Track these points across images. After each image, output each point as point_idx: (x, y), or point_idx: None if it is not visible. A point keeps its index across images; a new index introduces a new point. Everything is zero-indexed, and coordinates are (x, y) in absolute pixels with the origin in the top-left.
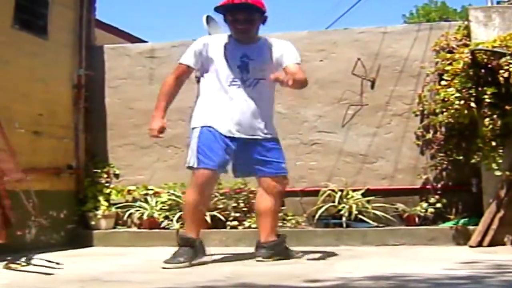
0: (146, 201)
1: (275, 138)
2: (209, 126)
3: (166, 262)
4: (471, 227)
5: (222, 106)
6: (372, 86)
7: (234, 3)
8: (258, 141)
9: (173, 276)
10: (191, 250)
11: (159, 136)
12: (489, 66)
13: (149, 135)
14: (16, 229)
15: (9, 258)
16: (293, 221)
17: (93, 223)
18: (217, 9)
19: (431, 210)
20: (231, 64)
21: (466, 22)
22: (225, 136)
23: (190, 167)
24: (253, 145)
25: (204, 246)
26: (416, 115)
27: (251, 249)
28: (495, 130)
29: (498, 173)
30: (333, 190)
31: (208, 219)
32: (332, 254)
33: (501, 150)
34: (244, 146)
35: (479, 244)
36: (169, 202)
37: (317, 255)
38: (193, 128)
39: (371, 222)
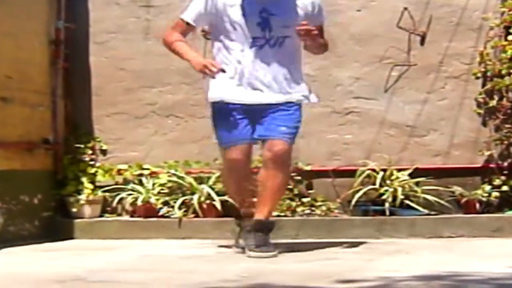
0: (140, 183)
1: (296, 103)
2: (225, 101)
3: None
4: None
5: (243, 70)
6: (422, 42)
7: None
8: (281, 105)
9: (174, 275)
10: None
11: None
12: None
13: (208, 74)
14: None
15: None
16: (324, 208)
17: (74, 210)
18: None
19: (495, 194)
20: (250, 22)
21: None
22: (247, 104)
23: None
24: (275, 110)
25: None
26: (477, 78)
27: (274, 242)
28: None
29: None
30: (373, 170)
31: (218, 205)
32: (372, 248)
33: None
34: (265, 110)
35: None
36: (169, 185)
37: (353, 250)
38: (211, 102)
39: (420, 209)
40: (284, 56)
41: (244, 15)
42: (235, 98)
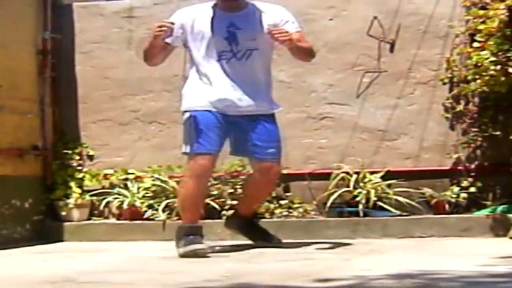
0: (126, 187)
1: (271, 114)
2: (201, 110)
3: (183, 248)
4: (511, 215)
5: (212, 83)
6: (392, 49)
7: None
8: (253, 117)
9: (159, 275)
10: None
11: (167, 29)
12: None
13: (155, 33)
14: None
15: None
16: (301, 210)
17: (63, 213)
18: None
19: (463, 195)
20: (218, 36)
21: None
22: (219, 114)
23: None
24: (248, 122)
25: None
26: (444, 83)
27: (253, 243)
28: None
29: None
30: (347, 173)
31: None
32: (347, 248)
33: None
34: (240, 124)
35: None
36: (153, 189)
37: (329, 250)
38: (185, 111)
39: (393, 210)
40: (251, 69)
41: (212, 30)
42: (209, 108)
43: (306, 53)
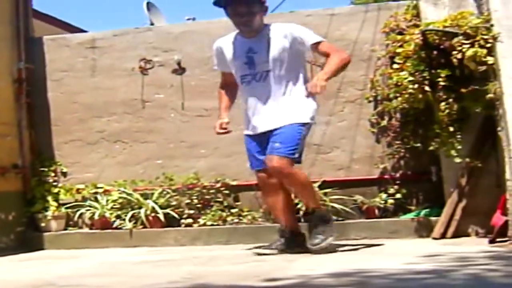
0: (96, 200)
1: (289, 123)
2: (245, 134)
3: (259, 248)
4: (433, 218)
5: (244, 106)
6: None
7: None
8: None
9: (129, 278)
10: (281, 240)
11: (221, 132)
12: (441, 47)
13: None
14: None
15: None
16: (249, 217)
17: (43, 224)
18: (217, 3)
19: (391, 201)
20: (240, 62)
21: (415, 1)
22: (253, 135)
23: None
24: (271, 133)
25: (300, 237)
26: (370, 101)
27: (209, 248)
28: (451, 115)
29: (457, 160)
30: None
31: (162, 217)
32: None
33: (459, 136)
34: (267, 135)
35: (443, 236)
36: (120, 201)
37: (276, 252)
38: None
39: None
40: (268, 89)
41: (234, 56)
42: (247, 130)
43: (342, 68)
